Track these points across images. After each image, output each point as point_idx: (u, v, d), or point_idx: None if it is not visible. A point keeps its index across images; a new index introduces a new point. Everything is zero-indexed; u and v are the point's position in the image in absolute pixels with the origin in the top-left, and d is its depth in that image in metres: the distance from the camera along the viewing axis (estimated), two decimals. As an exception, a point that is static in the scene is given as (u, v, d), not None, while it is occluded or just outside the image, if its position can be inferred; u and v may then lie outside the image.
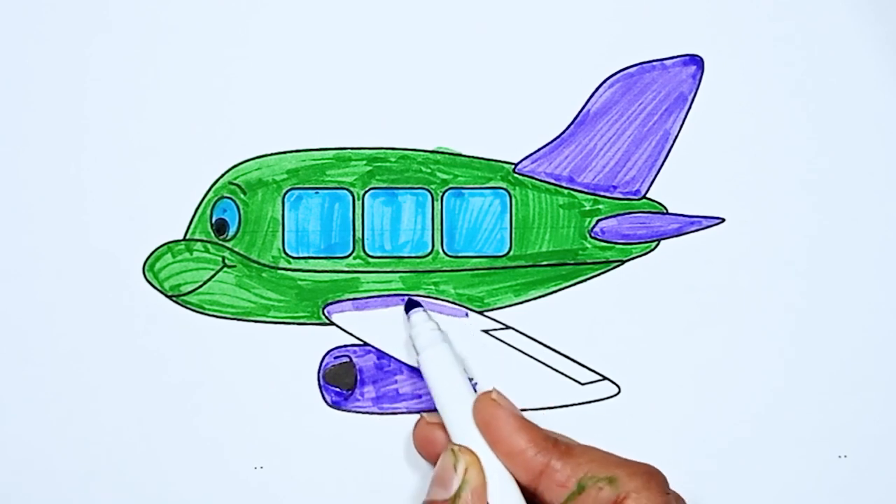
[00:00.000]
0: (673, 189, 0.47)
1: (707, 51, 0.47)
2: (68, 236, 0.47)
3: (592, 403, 0.47)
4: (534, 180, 0.47)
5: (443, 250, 0.47)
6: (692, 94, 0.47)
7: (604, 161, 0.47)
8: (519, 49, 0.47)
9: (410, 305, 0.46)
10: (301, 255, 0.47)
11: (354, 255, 0.47)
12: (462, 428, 0.42)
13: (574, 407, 0.47)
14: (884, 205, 0.47)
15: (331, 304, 0.47)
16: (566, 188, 0.47)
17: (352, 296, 0.47)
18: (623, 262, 0.47)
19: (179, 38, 0.47)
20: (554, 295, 0.47)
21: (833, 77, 0.47)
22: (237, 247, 0.47)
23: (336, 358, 0.47)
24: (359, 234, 0.47)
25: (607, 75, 0.47)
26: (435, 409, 0.45)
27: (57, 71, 0.47)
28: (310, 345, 0.47)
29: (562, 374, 0.47)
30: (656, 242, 0.47)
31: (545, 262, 0.47)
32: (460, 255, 0.47)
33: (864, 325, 0.47)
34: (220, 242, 0.47)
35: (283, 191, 0.47)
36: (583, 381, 0.47)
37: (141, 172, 0.47)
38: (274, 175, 0.47)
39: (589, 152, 0.47)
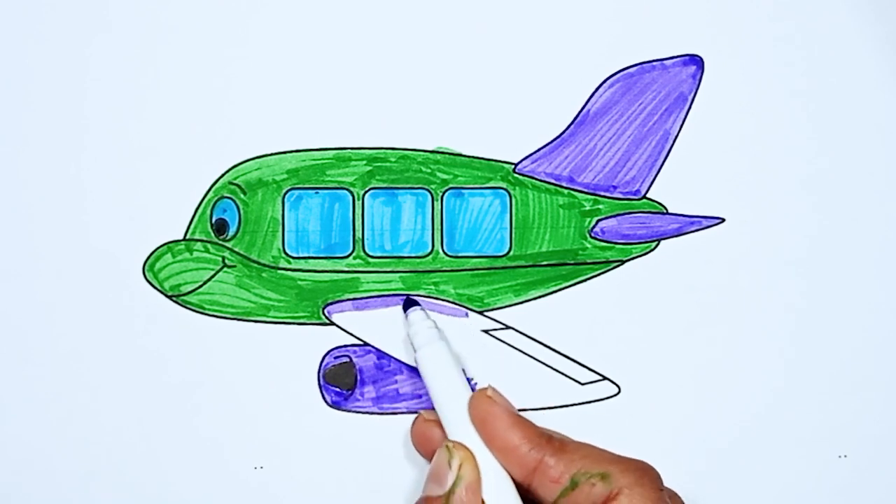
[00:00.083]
0: (673, 189, 0.47)
1: (707, 51, 0.47)
2: (68, 236, 0.47)
3: (592, 403, 0.47)
4: (534, 180, 0.47)
5: (443, 250, 0.47)
6: (692, 94, 0.47)
7: (604, 161, 0.47)
8: (519, 49, 0.47)
9: (408, 304, 0.46)
10: (301, 255, 0.47)
11: (354, 255, 0.47)
12: (458, 425, 0.42)
13: (574, 407, 0.47)
14: (884, 205, 0.47)
15: (331, 304, 0.47)
16: (566, 188, 0.47)
17: (352, 296, 0.47)
18: (623, 262, 0.47)
19: (179, 38, 0.47)
20: (554, 295, 0.47)
21: (833, 77, 0.47)
22: (237, 247, 0.47)
23: (336, 358, 0.47)
24: (359, 234, 0.47)
25: (607, 75, 0.47)
26: (432, 409, 0.45)
27: (57, 71, 0.47)
28: (310, 345, 0.47)
29: (562, 374, 0.47)
30: (656, 242, 0.47)
31: (545, 262, 0.47)
32: (460, 255, 0.47)
33: (864, 325, 0.47)
34: (220, 242, 0.47)
35: (283, 191, 0.47)
36: (583, 381, 0.47)
37: (141, 172, 0.47)
38: (274, 175, 0.47)
39: (589, 152, 0.47)
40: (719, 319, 0.47)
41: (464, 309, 0.47)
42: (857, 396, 0.47)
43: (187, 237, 0.47)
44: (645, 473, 0.40)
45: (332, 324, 0.47)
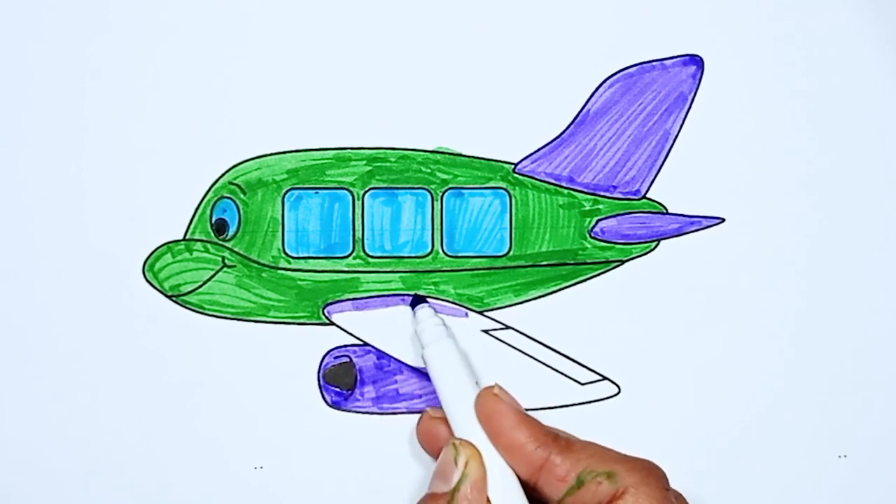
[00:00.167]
0: (673, 189, 0.47)
1: (707, 51, 0.47)
2: (68, 236, 0.47)
3: (592, 403, 0.47)
4: (534, 180, 0.47)
5: (443, 250, 0.47)
6: (692, 94, 0.47)
7: (604, 161, 0.47)
8: (519, 49, 0.47)
9: (416, 301, 0.46)
10: (301, 255, 0.47)
11: (354, 255, 0.47)
12: (464, 422, 0.42)
13: (574, 407, 0.47)
14: (884, 205, 0.47)
15: (331, 304, 0.47)
16: (566, 188, 0.47)
17: (352, 296, 0.47)
18: (623, 262, 0.47)
19: (179, 38, 0.47)
20: (554, 295, 0.47)
21: (833, 77, 0.47)
22: (237, 247, 0.47)
23: (336, 358, 0.47)
24: (359, 234, 0.47)
25: (607, 75, 0.47)
26: (437, 407, 0.45)
27: (57, 71, 0.47)
28: (310, 345, 0.47)
29: (562, 374, 0.47)
30: (656, 242, 0.47)
31: (545, 262, 0.47)
32: (460, 255, 0.47)
33: (864, 325, 0.47)
34: (220, 242, 0.47)
35: (283, 191, 0.47)
36: (583, 381, 0.47)
37: (141, 172, 0.47)
38: (274, 175, 0.47)
39: (589, 152, 0.47)
40: (719, 319, 0.47)
41: (464, 309, 0.47)
42: (857, 396, 0.47)
43: (187, 237, 0.47)
44: (651, 473, 0.40)
45: (332, 324, 0.47)
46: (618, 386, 0.47)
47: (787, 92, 0.47)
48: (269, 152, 0.47)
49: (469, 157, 0.47)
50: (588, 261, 0.47)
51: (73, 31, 0.47)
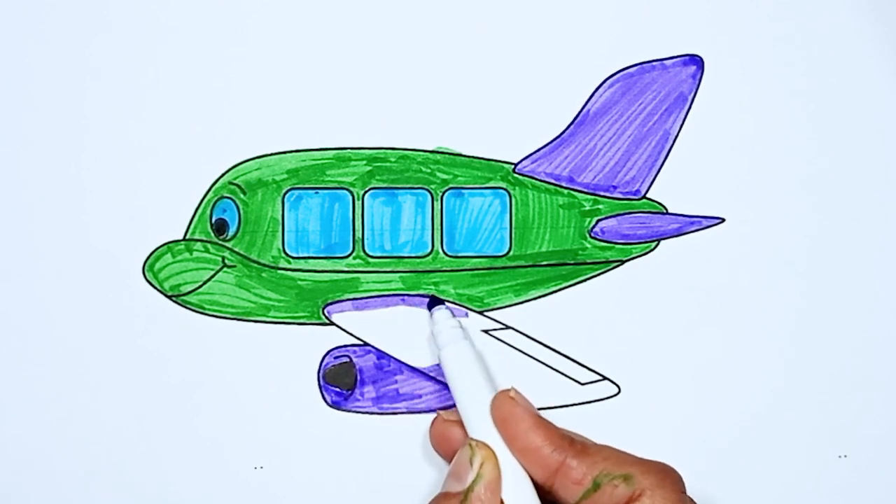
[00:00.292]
0: (673, 189, 0.47)
1: (707, 51, 0.47)
2: (68, 236, 0.47)
3: (592, 403, 0.47)
4: (534, 180, 0.47)
5: (443, 250, 0.47)
6: (692, 94, 0.47)
7: (604, 161, 0.47)
8: (519, 49, 0.47)
9: (433, 303, 0.46)
10: (301, 255, 0.47)
11: (354, 255, 0.47)
12: (479, 424, 0.42)
13: (574, 407, 0.47)
14: (884, 205, 0.47)
15: (331, 304, 0.47)
16: (566, 188, 0.47)
17: (352, 296, 0.47)
18: (623, 262, 0.47)
19: (179, 38, 0.47)
20: (554, 295, 0.47)
21: (833, 77, 0.47)
22: (237, 247, 0.47)
23: (336, 358, 0.47)
24: (359, 234, 0.47)
25: (607, 75, 0.47)
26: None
27: (57, 71, 0.47)
28: (310, 345, 0.47)
29: (562, 374, 0.47)
30: (656, 242, 0.47)
31: (545, 262, 0.47)
32: (460, 255, 0.47)
33: (864, 325, 0.47)
34: (220, 242, 0.47)
35: (283, 191, 0.47)
36: (583, 381, 0.47)
37: (141, 172, 0.47)
38: (274, 175, 0.47)
39: (589, 152, 0.47)
40: (719, 319, 0.47)
41: (464, 309, 0.47)
42: (857, 396, 0.47)
43: (187, 237, 0.47)
44: (667, 476, 0.40)
45: (332, 324, 0.47)
46: (618, 386, 0.47)
47: (787, 92, 0.47)
48: (269, 152, 0.47)
49: (469, 157, 0.47)
50: (588, 261, 0.47)
51: (73, 31, 0.47)
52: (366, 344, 0.47)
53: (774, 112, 0.47)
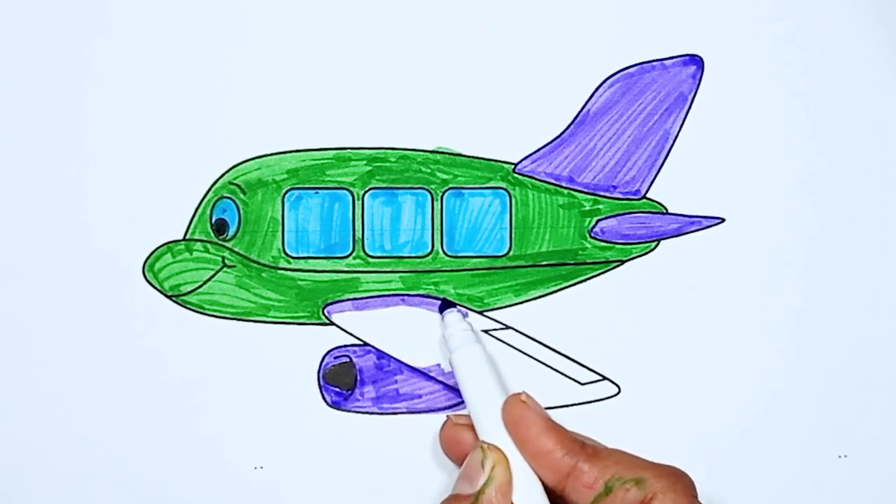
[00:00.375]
0: (673, 189, 0.47)
1: (707, 51, 0.47)
2: (68, 236, 0.47)
3: (592, 403, 0.47)
4: (534, 180, 0.47)
5: (443, 250, 0.47)
6: (692, 94, 0.47)
7: (604, 161, 0.47)
8: (519, 49, 0.47)
9: (445, 306, 0.46)
10: (301, 255, 0.47)
11: (354, 255, 0.47)
12: (491, 428, 0.42)
13: (574, 407, 0.47)
14: (884, 205, 0.47)
15: (331, 304, 0.47)
16: (566, 188, 0.47)
17: (352, 296, 0.47)
18: (623, 262, 0.47)
19: (179, 38, 0.47)
20: (554, 295, 0.47)
21: (833, 77, 0.47)
22: (237, 247, 0.47)
23: (336, 358, 0.47)
24: (359, 234, 0.47)
25: (607, 75, 0.47)
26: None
27: (57, 71, 0.47)
28: (310, 345, 0.47)
29: (562, 374, 0.47)
30: (656, 242, 0.47)
31: (545, 262, 0.47)
32: (460, 255, 0.47)
33: (864, 325, 0.47)
34: (220, 242, 0.47)
35: (283, 191, 0.47)
36: (583, 381, 0.47)
37: (141, 172, 0.47)
38: (274, 175, 0.47)
39: (589, 152, 0.47)
40: (719, 319, 0.47)
41: (464, 309, 0.47)
42: (857, 396, 0.47)
43: (187, 237, 0.47)
44: (679, 480, 0.40)
45: (332, 324, 0.47)
46: (618, 386, 0.47)
47: (787, 92, 0.47)
48: (269, 152, 0.47)
49: (469, 157, 0.47)
50: (588, 261, 0.47)
51: (73, 31, 0.47)
52: (366, 344, 0.47)
53: (774, 112, 0.47)
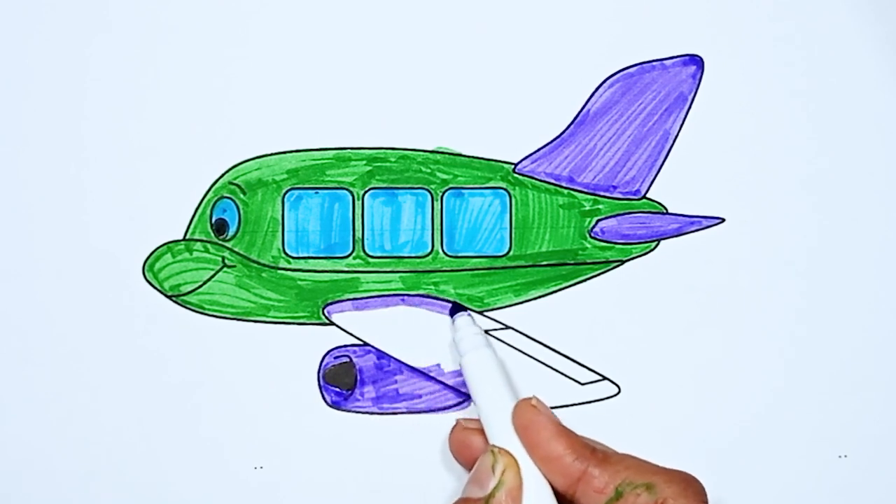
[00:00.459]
0: (673, 189, 0.47)
1: (707, 51, 0.47)
2: (68, 236, 0.47)
3: (592, 403, 0.47)
4: (534, 180, 0.47)
5: (443, 250, 0.47)
6: (692, 94, 0.47)
7: (604, 161, 0.47)
8: (519, 49, 0.47)
9: (455, 309, 0.46)
10: (301, 255, 0.47)
11: (354, 255, 0.47)
12: (501, 432, 0.42)
13: (574, 407, 0.47)
14: (884, 205, 0.47)
15: (331, 304, 0.47)
16: (566, 188, 0.47)
17: (352, 296, 0.47)
18: (623, 262, 0.47)
19: (179, 38, 0.47)
20: (554, 295, 0.47)
21: (833, 77, 0.47)
22: (237, 247, 0.47)
23: (336, 358, 0.47)
24: (359, 234, 0.47)
25: (607, 75, 0.47)
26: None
27: (57, 71, 0.47)
28: (310, 345, 0.47)
29: (562, 374, 0.47)
30: (656, 242, 0.47)
31: (545, 262, 0.47)
32: (460, 255, 0.47)
33: (864, 325, 0.47)
34: (220, 242, 0.47)
35: (283, 191, 0.47)
36: (583, 381, 0.47)
37: (141, 172, 0.47)
38: (274, 175, 0.47)
39: (589, 152, 0.47)
40: (719, 319, 0.47)
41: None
42: (857, 396, 0.47)
43: (187, 237, 0.47)
44: (689, 485, 0.40)
45: (332, 324, 0.47)
46: (618, 386, 0.47)
47: (787, 92, 0.47)
48: (269, 152, 0.47)
49: (469, 157, 0.47)
50: (588, 261, 0.47)
51: (73, 31, 0.47)
52: (366, 344, 0.47)
53: (774, 112, 0.47)
